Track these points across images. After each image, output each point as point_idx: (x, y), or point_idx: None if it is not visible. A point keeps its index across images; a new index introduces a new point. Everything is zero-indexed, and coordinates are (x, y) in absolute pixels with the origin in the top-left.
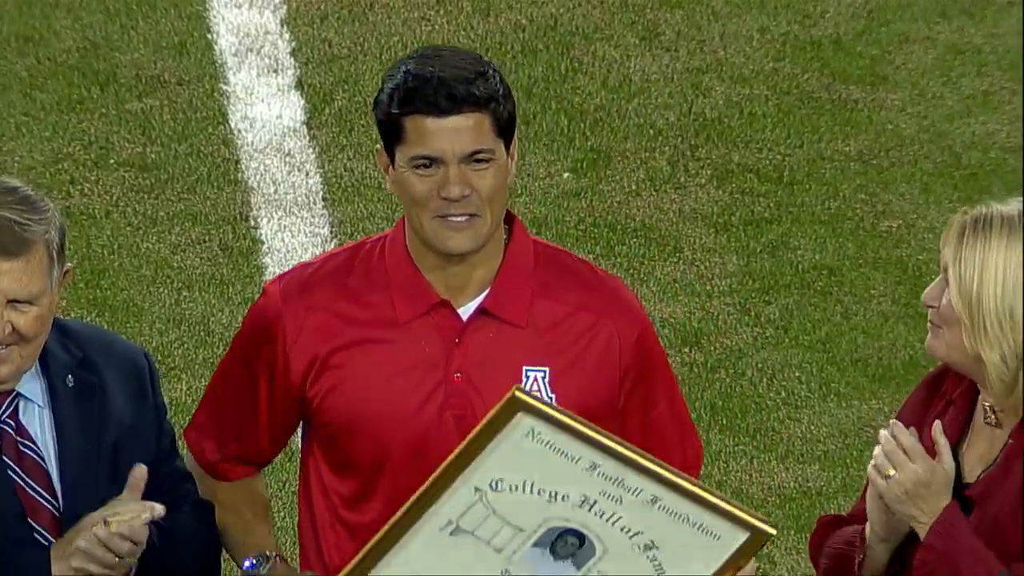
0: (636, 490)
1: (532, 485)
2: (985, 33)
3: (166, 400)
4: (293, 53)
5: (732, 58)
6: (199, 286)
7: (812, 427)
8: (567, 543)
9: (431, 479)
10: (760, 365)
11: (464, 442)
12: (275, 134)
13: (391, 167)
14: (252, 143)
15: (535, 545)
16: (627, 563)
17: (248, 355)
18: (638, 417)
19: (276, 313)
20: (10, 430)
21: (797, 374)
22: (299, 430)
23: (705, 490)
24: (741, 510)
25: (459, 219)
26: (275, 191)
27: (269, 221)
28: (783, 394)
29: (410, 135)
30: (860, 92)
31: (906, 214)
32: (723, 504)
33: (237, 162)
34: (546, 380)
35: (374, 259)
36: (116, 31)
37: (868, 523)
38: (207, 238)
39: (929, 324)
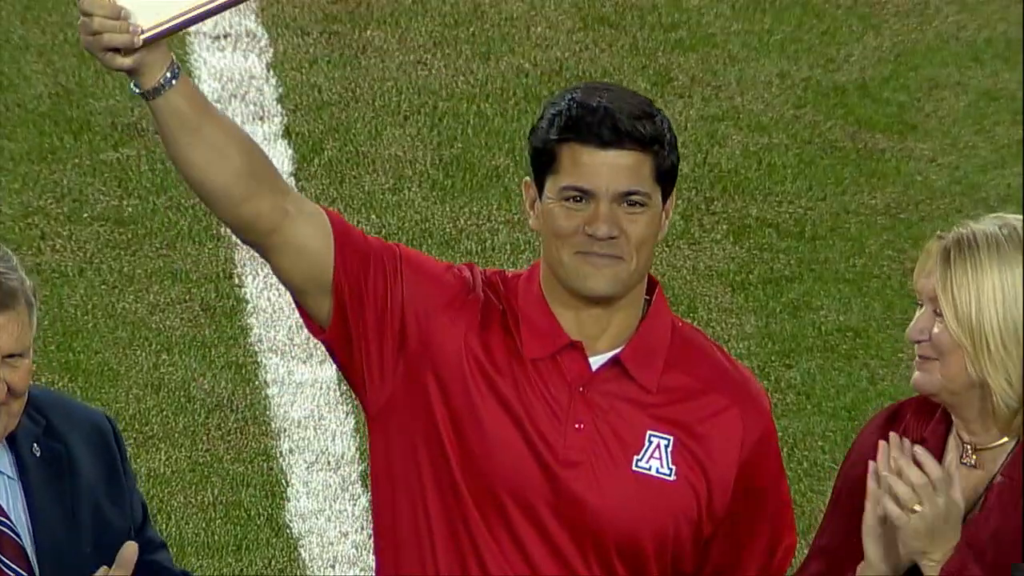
0: None
1: None
2: (1021, 79)
3: (144, 470)
4: (280, 99)
5: (750, 105)
6: (179, 349)
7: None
8: None
9: None
10: (781, 433)
11: None
12: None
13: (538, 200)
14: None
15: None
16: None
17: (415, 267)
18: (732, 536)
19: (467, 281)
20: None
21: (820, 443)
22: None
23: None
24: None
25: (602, 258)
26: None
27: (254, 279)
28: (805, 464)
29: (564, 164)
30: (887, 141)
31: None
32: None
33: None
34: (669, 449)
35: (508, 291)
36: (90, 76)
37: (865, 563)
38: (188, 297)
39: (917, 361)
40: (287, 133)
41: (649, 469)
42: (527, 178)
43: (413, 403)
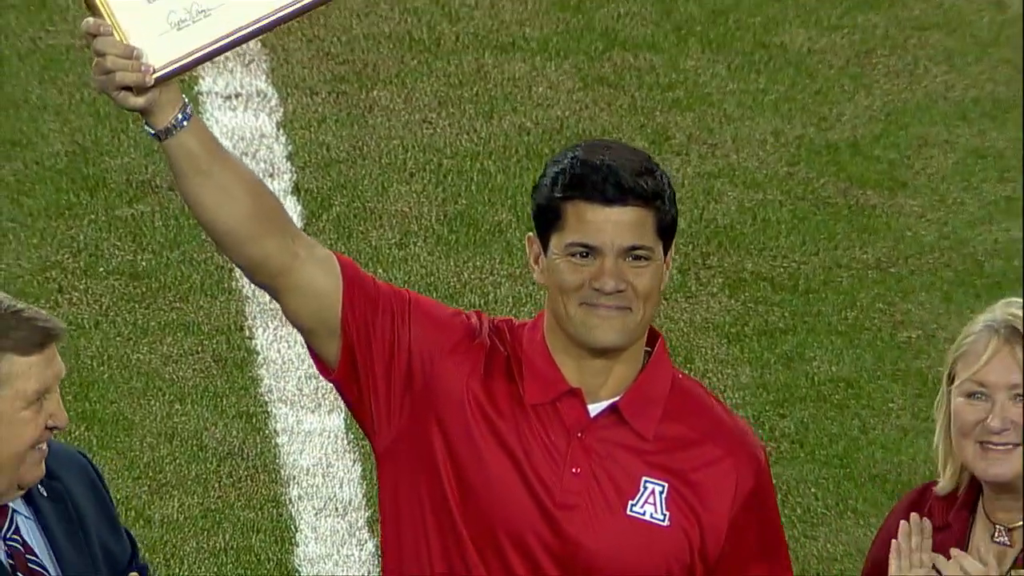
0: None
1: None
2: (1007, 137)
3: (157, 517)
4: (290, 157)
5: (745, 162)
6: (192, 399)
7: (829, 545)
8: None
9: None
10: (775, 481)
11: None
12: None
13: (543, 255)
14: None
15: None
16: None
17: (423, 313)
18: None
19: (473, 328)
20: (19, 547)
21: (813, 490)
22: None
23: None
24: None
25: (609, 309)
26: (270, 300)
27: (264, 331)
28: (799, 511)
29: (570, 221)
30: (878, 197)
31: (926, 324)
32: None
33: (231, 270)
34: (663, 495)
35: (514, 339)
36: (106, 135)
37: None
38: (200, 349)
39: (988, 451)
40: (296, 190)
41: (643, 514)
42: (530, 233)
43: (418, 444)
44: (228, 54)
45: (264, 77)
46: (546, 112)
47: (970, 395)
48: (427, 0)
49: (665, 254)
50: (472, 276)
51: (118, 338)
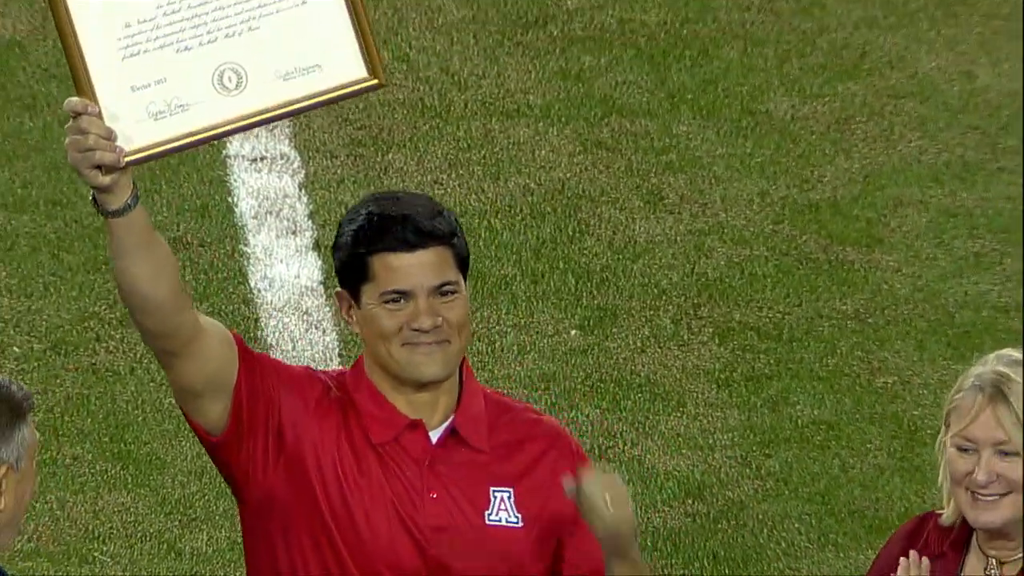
0: None
1: None
2: (976, 197)
3: (188, 549)
4: (311, 215)
5: (733, 220)
6: None
7: None
8: None
9: None
10: (761, 516)
11: None
12: (293, 293)
13: (355, 307)
14: (271, 302)
15: None
16: None
17: (278, 377)
18: (577, 538)
19: (326, 384)
20: None
21: (797, 525)
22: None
23: None
24: None
25: (430, 345)
26: (293, 348)
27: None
28: (783, 544)
29: (378, 272)
30: (856, 253)
31: (901, 371)
32: None
33: (257, 320)
34: (511, 499)
35: (344, 388)
36: (141, 193)
37: None
38: None
39: (976, 501)
40: (317, 246)
41: (500, 521)
42: (338, 289)
43: (295, 497)
44: None
45: (287, 141)
46: (548, 174)
47: (960, 448)
48: (438, 69)
49: (464, 283)
50: (480, 326)
51: (151, 384)
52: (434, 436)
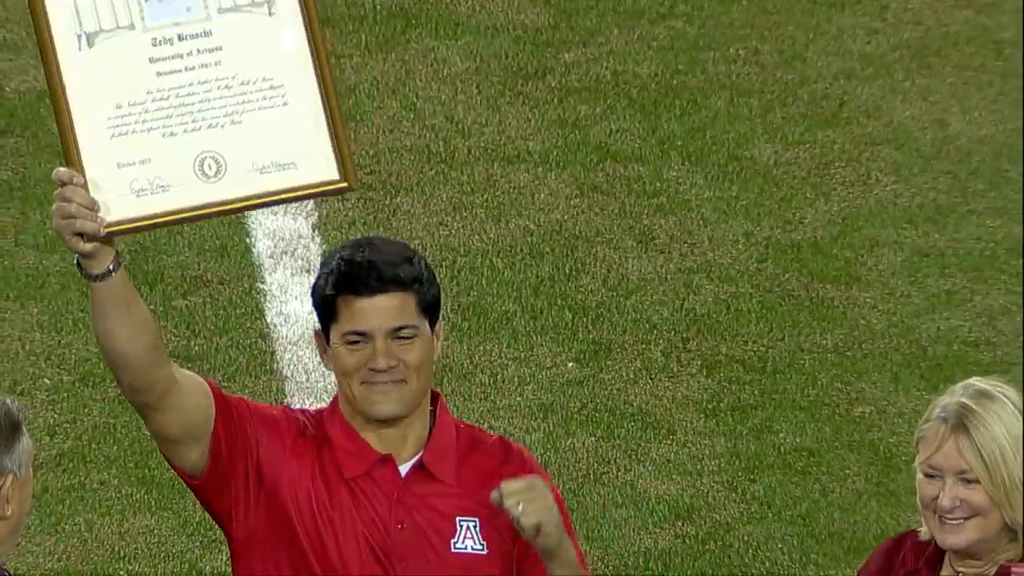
0: None
1: None
2: (947, 238)
3: (208, 569)
4: (323, 255)
5: (720, 260)
6: None
7: None
8: None
9: (30, 9)
10: (746, 538)
11: None
12: (307, 328)
13: (327, 345)
14: (286, 336)
15: None
16: None
17: (251, 416)
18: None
19: (300, 423)
20: None
21: (780, 546)
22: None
23: None
24: None
25: (385, 384)
26: (307, 380)
27: (301, 406)
28: (767, 564)
29: (343, 314)
30: (835, 291)
31: (878, 401)
32: None
33: (273, 353)
34: (477, 528)
35: (320, 427)
36: (163, 236)
37: None
38: None
39: (944, 525)
40: None
41: (465, 548)
42: (316, 328)
43: (275, 533)
44: None
45: None
46: (547, 216)
47: (927, 475)
48: (443, 118)
49: (433, 327)
50: (482, 359)
51: None
52: (404, 469)
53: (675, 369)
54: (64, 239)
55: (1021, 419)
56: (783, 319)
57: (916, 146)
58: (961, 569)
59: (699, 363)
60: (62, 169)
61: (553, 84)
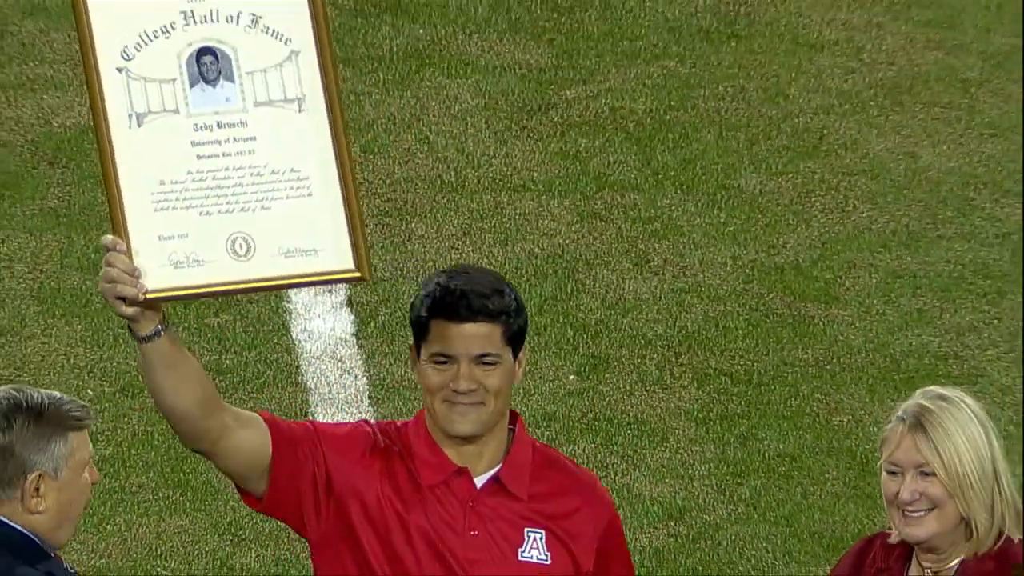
0: None
1: (146, 33)
2: (919, 261)
3: (238, 566)
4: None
5: (709, 281)
6: None
7: None
8: (207, 65)
9: (87, 82)
10: (734, 537)
11: (78, 40)
12: (329, 343)
13: (417, 360)
14: (310, 351)
15: (192, 86)
16: (256, 48)
17: (326, 439)
18: None
19: (371, 435)
20: None
21: (765, 545)
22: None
23: None
24: None
25: (465, 406)
26: (329, 391)
27: (324, 416)
28: (753, 562)
29: (433, 335)
30: (816, 309)
31: (855, 411)
32: None
33: (298, 367)
34: (543, 540)
35: (401, 436)
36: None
37: None
38: None
39: (906, 519)
40: (350, 303)
41: (531, 558)
42: (411, 342)
43: (345, 535)
44: None
45: None
46: (550, 240)
47: (889, 472)
48: (454, 150)
49: (516, 355)
50: None
51: None
52: (479, 482)
53: (668, 381)
54: (108, 301)
55: (976, 420)
56: (767, 335)
57: (890, 176)
58: (927, 565)
59: (690, 376)
60: (108, 236)
61: (556, 119)
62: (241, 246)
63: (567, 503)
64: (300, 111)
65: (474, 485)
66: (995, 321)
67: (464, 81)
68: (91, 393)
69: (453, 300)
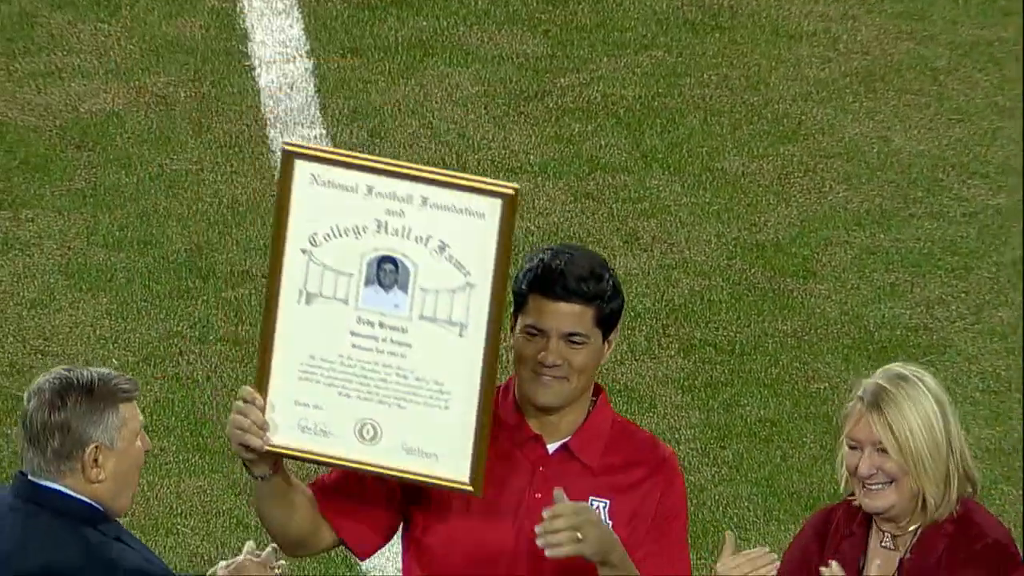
0: (408, 197)
1: (338, 227)
2: (891, 238)
3: (253, 523)
4: None
5: (695, 257)
6: None
7: (758, 545)
8: (386, 272)
9: (272, 252)
10: (718, 497)
11: (274, 213)
12: None
13: (513, 329)
14: None
15: (367, 285)
16: (436, 271)
17: None
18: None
19: None
20: None
21: (747, 504)
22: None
23: (451, 175)
24: (483, 181)
25: (550, 379)
26: None
27: None
28: (735, 520)
29: (529, 308)
30: (795, 283)
31: (831, 379)
32: (468, 180)
33: None
34: (606, 510)
35: (496, 401)
36: (216, 236)
37: None
38: None
39: (867, 491)
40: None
41: None
42: (511, 310)
43: (424, 498)
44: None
45: None
46: (546, 219)
47: (850, 447)
48: (456, 135)
49: (607, 337)
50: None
51: (224, 389)
52: (552, 448)
53: (656, 351)
54: (232, 443)
55: (931, 398)
56: (749, 308)
57: (864, 159)
58: (886, 529)
59: (677, 346)
60: (249, 388)
61: (551, 105)
62: (368, 431)
63: (634, 474)
64: (460, 336)
65: (546, 451)
66: (962, 295)
67: (465, 70)
68: (115, 363)
69: (552, 278)
